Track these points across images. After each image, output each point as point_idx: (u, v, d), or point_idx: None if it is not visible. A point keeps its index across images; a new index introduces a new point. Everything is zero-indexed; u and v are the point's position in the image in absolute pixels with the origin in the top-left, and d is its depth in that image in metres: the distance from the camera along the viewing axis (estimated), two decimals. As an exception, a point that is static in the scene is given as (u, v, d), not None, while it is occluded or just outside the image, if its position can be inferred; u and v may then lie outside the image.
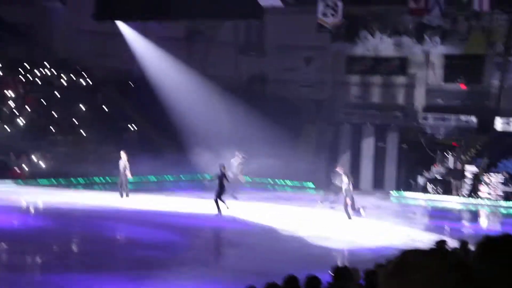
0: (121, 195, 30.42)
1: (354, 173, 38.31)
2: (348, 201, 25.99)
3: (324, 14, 33.27)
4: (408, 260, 2.79)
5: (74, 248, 20.44)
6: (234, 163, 33.21)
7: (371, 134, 39.93)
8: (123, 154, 30.53)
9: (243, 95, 45.80)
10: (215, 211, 26.18)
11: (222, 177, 26.66)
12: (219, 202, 26.36)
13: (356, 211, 27.49)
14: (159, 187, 36.20)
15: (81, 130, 40.25)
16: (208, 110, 43.76)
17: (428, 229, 26.29)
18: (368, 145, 39.52)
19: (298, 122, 44.53)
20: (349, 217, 25.92)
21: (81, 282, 15.92)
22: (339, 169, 26.76)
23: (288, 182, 40.63)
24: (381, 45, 44.23)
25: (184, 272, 17.59)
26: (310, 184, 39.94)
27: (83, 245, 20.70)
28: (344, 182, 26.03)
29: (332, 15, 33.21)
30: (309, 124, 44.33)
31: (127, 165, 30.34)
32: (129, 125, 43.17)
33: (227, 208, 26.46)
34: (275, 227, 24.75)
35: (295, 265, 17.93)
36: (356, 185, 36.28)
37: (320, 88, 47.55)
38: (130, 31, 44.66)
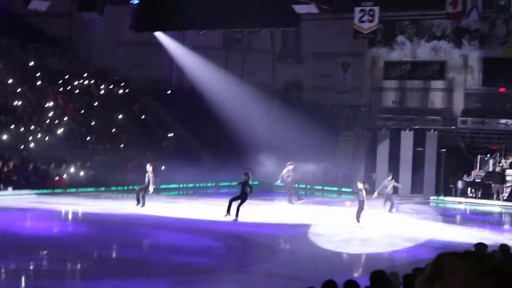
0: (138, 203, 30.00)
1: (393, 178, 38.19)
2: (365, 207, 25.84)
3: (361, 20, 33.19)
4: (444, 263, 2.77)
5: (114, 254, 20.57)
6: (284, 172, 33.25)
7: (409, 139, 39.70)
8: (149, 167, 30.20)
9: (280, 102, 45.86)
10: (233, 217, 26.34)
11: (245, 185, 26.69)
12: (237, 208, 26.49)
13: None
14: (197, 194, 36.30)
15: (120, 139, 40.56)
16: (245, 118, 43.88)
17: (468, 233, 26.07)
18: (406, 150, 39.27)
19: (335, 128, 44.44)
20: (358, 221, 25.79)
21: (121, 288, 16.03)
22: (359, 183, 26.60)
23: (327, 188, 40.56)
24: (419, 49, 44.11)
25: (224, 277, 17.64)
26: (348, 190, 39.81)
27: (123, 252, 20.82)
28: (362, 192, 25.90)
29: (369, 20, 33.10)
30: (346, 131, 44.20)
31: (151, 178, 29.87)
32: (167, 134, 43.39)
33: (236, 218, 26.55)
34: (313, 232, 24.72)
35: (333, 270, 17.91)
36: (395, 191, 36.19)
37: (357, 94, 47.50)
38: (168, 40, 44.97)
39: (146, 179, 29.59)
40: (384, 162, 39.63)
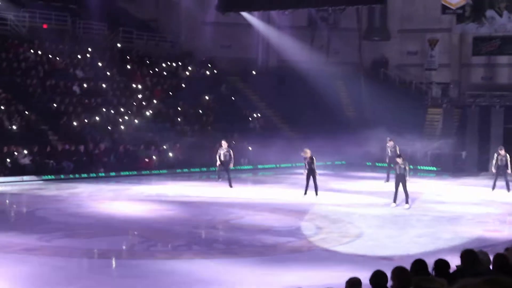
0: (218, 178, 30.29)
1: (483, 156, 37.49)
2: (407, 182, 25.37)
3: (449, -5, 32.58)
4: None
5: (204, 235, 20.83)
6: (388, 148, 32.97)
7: (499, 116, 38.86)
8: (224, 143, 30.39)
9: (367, 80, 45.51)
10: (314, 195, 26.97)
11: (310, 161, 26.96)
12: (315, 186, 27.07)
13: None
14: (285, 175, 36.38)
15: (207, 120, 40.91)
16: (333, 97, 43.74)
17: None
18: (497, 128, 38.46)
19: (422, 106, 43.88)
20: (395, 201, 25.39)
21: (211, 267, 16.25)
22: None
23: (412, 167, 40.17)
24: (509, 24, 43.02)
25: (312, 257, 17.69)
26: (434, 169, 39.37)
27: (213, 232, 21.07)
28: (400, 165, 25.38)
29: (457, -5, 32.48)
30: (434, 108, 43.58)
31: (232, 154, 30.08)
32: (254, 114, 43.55)
33: (304, 195, 27.18)
34: (402, 212, 24.54)
35: (424, 249, 17.76)
36: (486, 169, 35.55)
37: (445, 70, 46.76)
38: (254, 20, 45.11)
39: (223, 157, 29.74)
40: (474, 140, 38.96)
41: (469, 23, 44.11)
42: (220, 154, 29.93)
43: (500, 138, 36.85)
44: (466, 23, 44.04)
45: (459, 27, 44.60)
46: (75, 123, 36.02)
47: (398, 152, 28.88)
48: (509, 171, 30.00)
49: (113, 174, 33.99)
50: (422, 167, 39.22)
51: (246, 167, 38.11)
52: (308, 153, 27.15)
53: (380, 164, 37.39)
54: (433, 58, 47.65)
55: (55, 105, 36.72)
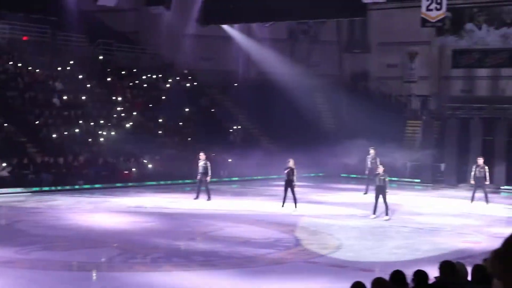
0: (197, 197, 29.99)
1: (462, 168, 37.66)
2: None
3: (428, 8, 32.76)
4: None
5: (183, 247, 20.77)
6: (368, 159, 33.04)
7: (478, 128, 39.09)
8: (202, 155, 30.31)
9: (347, 92, 45.68)
10: (293, 207, 26.95)
11: (290, 172, 26.94)
12: (294, 197, 26.95)
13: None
14: (265, 187, 36.37)
15: (187, 132, 40.88)
16: (312, 109, 43.84)
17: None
18: (475, 140, 38.69)
19: (402, 118, 44.08)
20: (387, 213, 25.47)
21: (190, 279, 16.20)
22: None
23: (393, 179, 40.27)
24: (488, 37, 43.39)
25: (291, 269, 17.68)
26: (413, 180, 39.56)
27: (192, 244, 21.01)
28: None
29: (436, 8, 32.65)
30: (414, 120, 43.78)
31: (209, 167, 29.95)
32: (234, 126, 43.57)
33: (282, 206, 27.14)
34: (382, 223, 24.60)
35: (402, 260, 17.79)
36: (465, 180, 35.71)
37: (425, 83, 47.02)
38: (234, 33, 45.18)
39: (201, 169, 29.64)
40: (453, 152, 39.15)
41: (448, 36, 44.44)
42: (199, 166, 29.92)
43: (478, 150, 37.04)
44: (445, 36, 44.36)
45: (439, 40, 44.92)
46: (54, 135, 35.88)
47: (378, 163, 28.93)
48: (487, 182, 30.16)
49: (92, 186, 33.85)
50: (401, 179, 39.33)
51: (225, 179, 38.12)
52: (290, 163, 27.13)
53: (355, 176, 37.69)
54: (413, 71, 47.89)
55: (34, 117, 36.57)
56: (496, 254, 2.77)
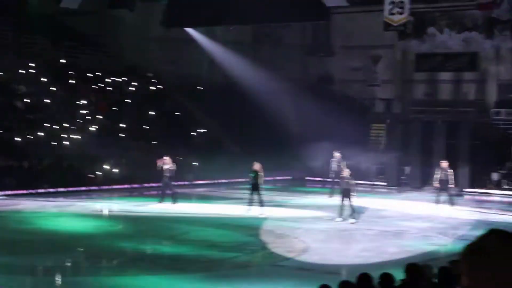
0: (161, 200, 29.79)
1: (426, 171, 37.98)
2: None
3: (391, 12, 32.97)
4: (490, 240, 2.78)
5: (149, 251, 20.69)
6: (333, 162, 33.07)
7: (442, 131, 39.43)
8: (167, 159, 29.88)
9: (311, 96, 45.78)
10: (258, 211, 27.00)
11: (255, 175, 26.99)
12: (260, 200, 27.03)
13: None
14: (230, 190, 36.36)
15: (152, 136, 40.73)
16: (277, 112, 43.87)
17: (507, 226, 25.85)
18: (439, 143, 39.02)
19: (366, 121, 44.31)
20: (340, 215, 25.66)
21: (156, 283, 16.15)
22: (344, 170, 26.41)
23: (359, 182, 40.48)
24: (450, 41, 43.75)
25: (257, 272, 17.71)
26: (378, 183, 39.83)
27: (158, 247, 20.94)
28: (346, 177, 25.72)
29: (399, 13, 32.88)
30: (377, 124, 44.04)
31: (173, 172, 29.74)
32: (199, 130, 43.52)
33: (248, 210, 27.11)
34: (348, 226, 24.71)
35: (367, 264, 17.89)
36: (429, 183, 35.99)
37: (388, 86, 47.31)
38: (198, 36, 45.08)
39: (166, 172, 29.47)
40: (417, 155, 39.42)
41: (411, 40, 44.75)
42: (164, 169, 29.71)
43: (442, 153, 37.34)
44: (408, 40, 44.67)
45: (402, 44, 45.23)
46: (18, 139, 35.56)
47: (343, 166, 29.07)
48: (451, 185, 30.45)
49: (57, 190, 33.56)
50: (366, 182, 39.54)
51: (190, 182, 38.02)
52: (255, 166, 27.14)
53: (321, 179, 37.91)
54: (376, 74, 48.17)
55: (-3, 120, 36.24)
56: (471, 252, 2.83)
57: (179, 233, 23.10)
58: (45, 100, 39.18)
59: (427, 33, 44.32)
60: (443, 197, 30.21)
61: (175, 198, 29.65)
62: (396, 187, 38.88)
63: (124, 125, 40.61)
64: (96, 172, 35.72)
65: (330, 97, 47.36)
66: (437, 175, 30.34)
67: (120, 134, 39.68)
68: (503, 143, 39.16)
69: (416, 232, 24.05)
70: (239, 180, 36.62)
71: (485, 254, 2.76)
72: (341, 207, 25.44)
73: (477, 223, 26.12)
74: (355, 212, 25.57)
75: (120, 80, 44.35)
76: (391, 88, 47.40)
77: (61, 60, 43.31)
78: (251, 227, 24.22)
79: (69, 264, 18.55)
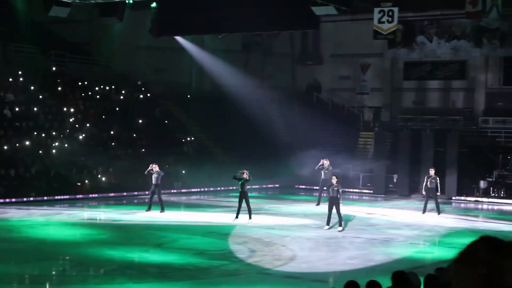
0: (149, 209, 29.70)
1: (414, 179, 38.07)
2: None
3: (380, 21, 33.04)
4: (480, 247, 2.77)
5: (137, 259, 20.64)
6: (322, 170, 33.06)
7: (430, 139, 39.53)
8: (155, 166, 29.72)
9: (300, 104, 45.87)
10: (247, 219, 27.02)
11: (243, 182, 26.94)
12: (248, 208, 27.00)
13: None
14: (219, 198, 36.33)
15: (140, 144, 40.67)
16: (266, 121, 43.91)
17: (494, 233, 25.89)
18: (427, 151, 39.11)
19: (355, 130, 44.38)
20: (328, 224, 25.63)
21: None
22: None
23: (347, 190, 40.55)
24: (439, 50, 43.89)
25: (245, 280, 17.68)
26: (366, 191, 39.91)
27: (146, 256, 20.88)
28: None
29: (388, 21, 32.95)
30: (366, 132, 44.12)
31: (160, 177, 29.56)
32: (187, 138, 43.48)
33: (236, 218, 27.07)
34: (335, 234, 24.72)
35: (355, 271, 17.89)
36: (417, 191, 36.11)
37: (377, 95, 47.43)
38: (187, 44, 45.07)
39: (154, 180, 29.35)
40: (405, 163, 39.50)
41: (400, 49, 44.89)
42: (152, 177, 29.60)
43: (430, 161, 37.45)
44: (397, 48, 44.81)
45: (391, 52, 45.36)
46: (5, 147, 35.45)
47: (331, 174, 29.04)
48: (439, 193, 30.54)
49: (44, 198, 33.43)
50: (354, 190, 39.62)
51: (179, 190, 37.98)
52: (244, 174, 27.10)
53: (309, 187, 38.00)
54: (365, 83, 48.31)
55: (-15, 128, 36.11)
56: (460, 260, 2.82)
57: (166, 241, 23.05)
58: (33, 108, 39.07)
59: (416, 42, 44.46)
60: (431, 204, 30.28)
61: (162, 206, 29.61)
62: (384, 195, 38.97)
63: (113, 133, 40.53)
64: (84, 181, 35.61)
65: (319, 105, 47.46)
66: (425, 182, 30.40)
67: (108, 143, 39.59)
68: (491, 151, 39.28)
69: (403, 239, 24.07)
70: (228, 188, 36.62)
71: (475, 262, 2.76)
72: (329, 215, 25.44)
73: (464, 231, 26.19)
74: (342, 220, 25.58)
75: (109, 88, 44.29)
76: (380, 96, 47.52)
77: (49, 69, 43.21)
78: (239, 235, 24.20)
79: (56, 272, 18.48)
